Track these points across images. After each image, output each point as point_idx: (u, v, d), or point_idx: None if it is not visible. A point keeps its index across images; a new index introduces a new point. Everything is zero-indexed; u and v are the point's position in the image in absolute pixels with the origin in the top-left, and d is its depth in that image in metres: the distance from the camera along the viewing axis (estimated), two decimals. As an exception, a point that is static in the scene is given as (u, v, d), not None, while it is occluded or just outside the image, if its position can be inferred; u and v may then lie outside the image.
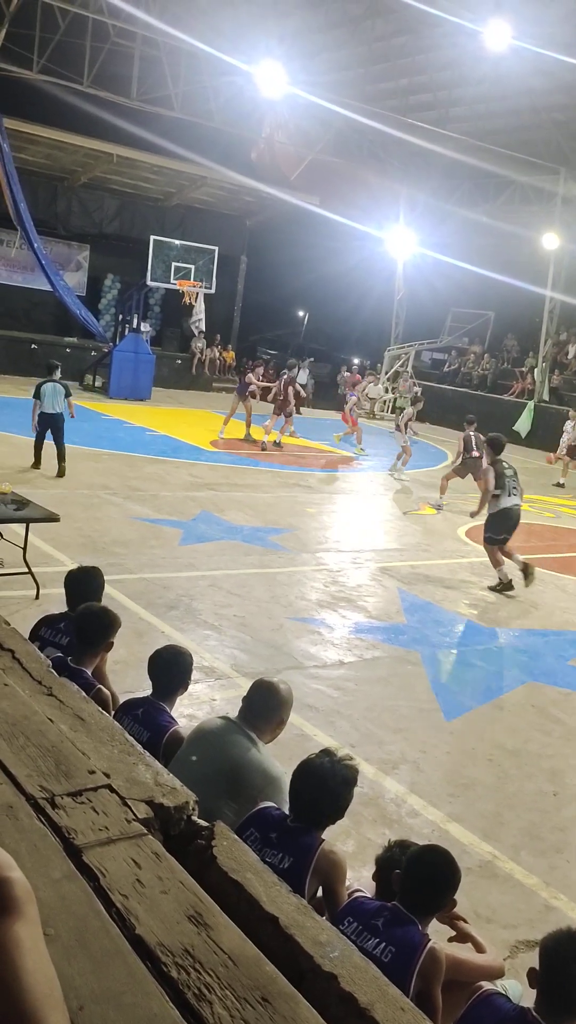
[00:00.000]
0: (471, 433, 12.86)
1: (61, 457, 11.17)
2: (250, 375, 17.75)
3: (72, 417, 11.60)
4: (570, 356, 25.04)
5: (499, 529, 8.95)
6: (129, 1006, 1.33)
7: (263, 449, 15.95)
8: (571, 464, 17.16)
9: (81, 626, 3.81)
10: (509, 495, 8.90)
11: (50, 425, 11.21)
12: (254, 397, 17.65)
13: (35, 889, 1.13)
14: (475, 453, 12.17)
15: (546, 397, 23.11)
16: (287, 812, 2.94)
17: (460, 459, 13.04)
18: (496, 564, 8.94)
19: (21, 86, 18.09)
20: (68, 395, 11.40)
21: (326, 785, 2.77)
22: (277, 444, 16.43)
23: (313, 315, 33.69)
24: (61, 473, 11.09)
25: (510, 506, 8.90)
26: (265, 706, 3.24)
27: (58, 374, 11.56)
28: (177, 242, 22.50)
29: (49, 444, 11.19)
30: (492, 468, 8.95)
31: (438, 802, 4.74)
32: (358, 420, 18.15)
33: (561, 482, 16.85)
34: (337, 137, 21.97)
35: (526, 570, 8.80)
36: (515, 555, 8.94)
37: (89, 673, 3.70)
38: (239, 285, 27.75)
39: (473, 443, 12.58)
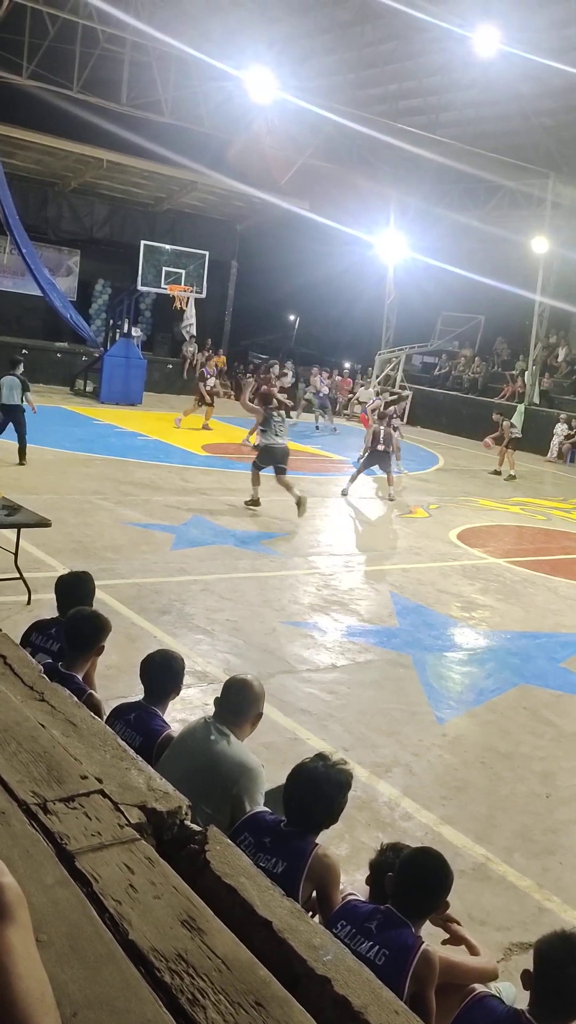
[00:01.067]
0: (382, 428, 13.45)
1: (22, 451, 11.80)
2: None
3: (34, 412, 12.09)
4: (560, 359, 25.14)
5: (265, 460, 11.20)
6: (122, 1012, 1.33)
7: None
8: (508, 455, 17.30)
9: (71, 631, 3.80)
10: (275, 435, 11.12)
11: (10, 417, 11.74)
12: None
13: (28, 895, 1.13)
14: (380, 447, 13.35)
15: (536, 400, 23.19)
16: (268, 807, 2.96)
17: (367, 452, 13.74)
18: (254, 483, 11.27)
19: (11, 91, 18.08)
20: (26, 390, 11.88)
21: (320, 789, 2.77)
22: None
23: (304, 319, 33.72)
24: (22, 460, 11.74)
25: (274, 444, 11.11)
26: (241, 702, 3.29)
27: (20, 369, 12.08)
28: (168, 247, 22.50)
29: (35, 470, 11.63)
30: (262, 411, 11.31)
31: (431, 805, 4.75)
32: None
33: (500, 470, 17.19)
34: (327, 142, 22.01)
35: (299, 503, 10.83)
36: (293, 489, 10.94)
37: (80, 678, 3.70)
38: (230, 289, 27.77)
39: (381, 437, 13.32)
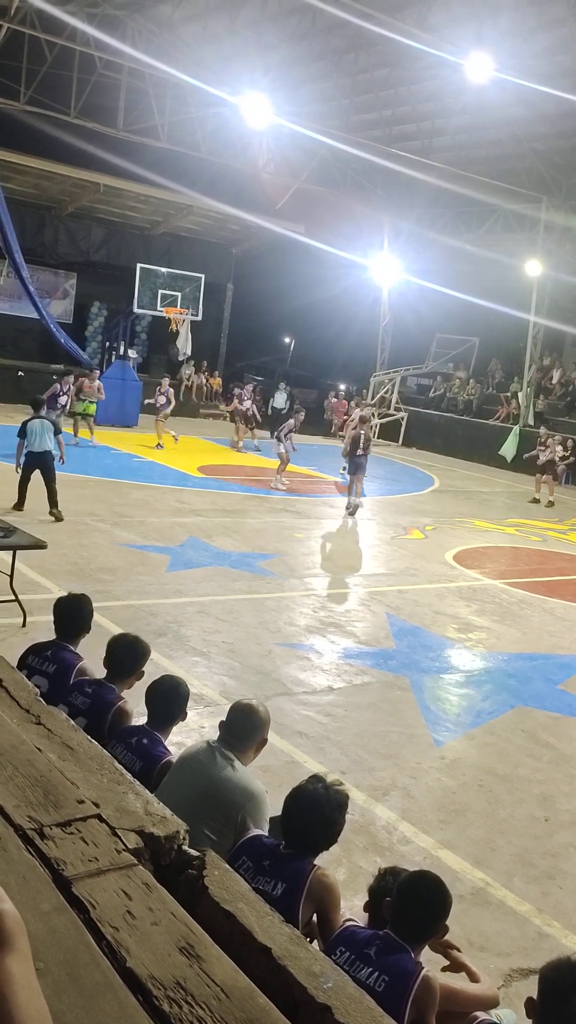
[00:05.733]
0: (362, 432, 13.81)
1: (53, 502, 10.39)
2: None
3: (62, 462, 10.79)
4: (554, 381, 25.27)
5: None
6: (120, 1041, 1.31)
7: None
8: (543, 480, 17.36)
9: (115, 655, 3.93)
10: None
11: (38, 465, 10.35)
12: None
13: (24, 922, 1.11)
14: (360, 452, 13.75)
15: (531, 422, 23.27)
16: (268, 832, 2.94)
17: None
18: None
19: (8, 117, 18.28)
20: (57, 432, 10.70)
21: (320, 811, 2.76)
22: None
23: (299, 341, 33.88)
24: (57, 518, 10.30)
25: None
26: (246, 727, 3.26)
27: (44, 410, 10.90)
28: (164, 270, 22.65)
29: (39, 487, 10.39)
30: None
31: (429, 829, 4.71)
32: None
33: (539, 498, 17.20)
34: (322, 166, 22.22)
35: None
36: None
37: (117, 691, 3.87)
38: (225, 312, 27.93)
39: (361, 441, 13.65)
